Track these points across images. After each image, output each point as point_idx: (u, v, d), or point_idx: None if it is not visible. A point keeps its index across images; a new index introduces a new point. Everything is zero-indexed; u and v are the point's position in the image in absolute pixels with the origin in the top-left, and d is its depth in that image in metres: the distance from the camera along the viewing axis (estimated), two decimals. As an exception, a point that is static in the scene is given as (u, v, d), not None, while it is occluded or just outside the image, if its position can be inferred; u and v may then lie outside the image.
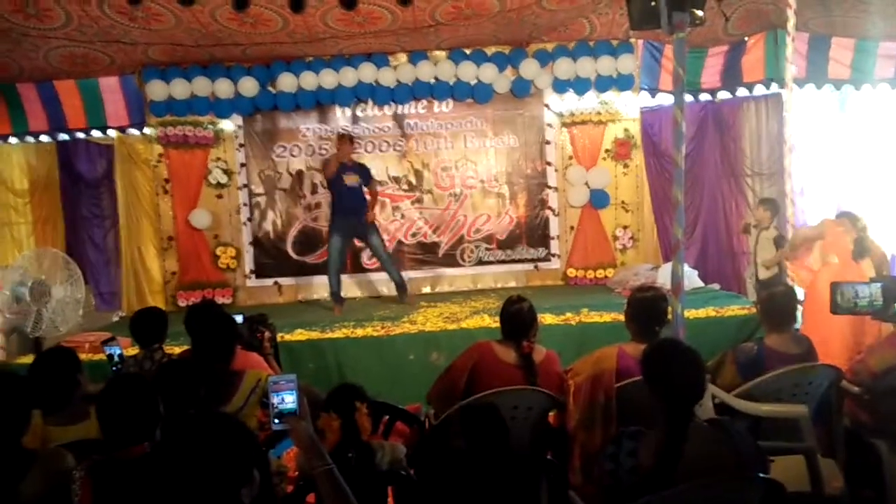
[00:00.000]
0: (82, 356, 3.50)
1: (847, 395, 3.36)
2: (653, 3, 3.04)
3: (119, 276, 7.86)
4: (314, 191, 7.80)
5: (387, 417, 3.53)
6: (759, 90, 7.24)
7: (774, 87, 6.97)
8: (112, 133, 7.74)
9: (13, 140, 7.50)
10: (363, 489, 2.29)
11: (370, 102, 7.71)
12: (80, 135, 7.68)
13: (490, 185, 7.92)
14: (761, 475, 2.21)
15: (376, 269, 7.63)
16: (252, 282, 7.85)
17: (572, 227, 7.89)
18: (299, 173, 7.81)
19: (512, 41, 7.51)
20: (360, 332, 5.86)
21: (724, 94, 7.59)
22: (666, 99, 7.72)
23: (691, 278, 6.85)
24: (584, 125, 7.78)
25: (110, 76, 7.38)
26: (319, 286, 7.71)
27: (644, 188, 7.86)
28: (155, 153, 7.64)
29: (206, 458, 1.76)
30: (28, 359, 5.54)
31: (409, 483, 2.67)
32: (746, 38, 7.06)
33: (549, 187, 7.90)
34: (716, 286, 7.16)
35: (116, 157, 7.75)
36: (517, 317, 3.50)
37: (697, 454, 2.17)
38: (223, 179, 7.72)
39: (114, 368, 3.86)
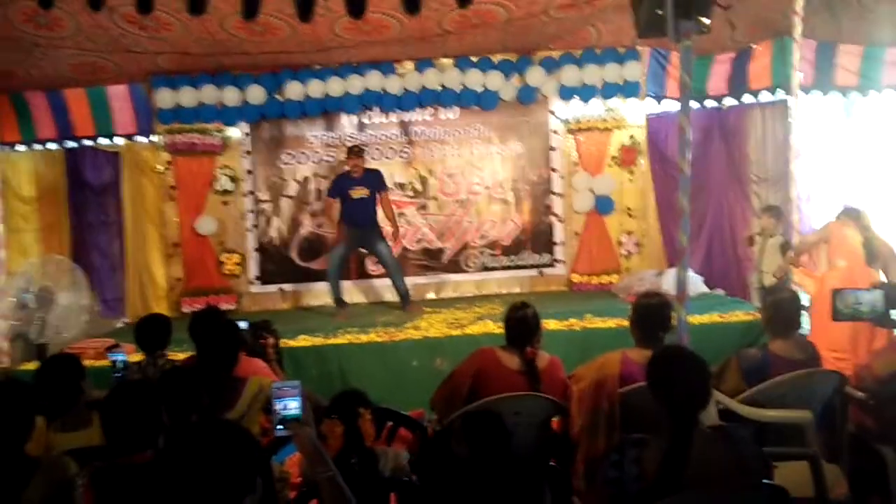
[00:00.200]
0: (86, 363, 3.52)
1: (852, 400, 3.34)
2: (659, 12, 3.04)
3: (124, 283, 7.88)
4: (320, 198, 7.81)
5: (390, 423, 3.53)
6: (766, 97, 7.22)
7: (781, 94, 6.95)
8: (119, 140, 7.77)
9: (21, 147, 7.53)
10: (366, 495, 2.29)
11: (376, 110, 7.73)
12: (88, 142, 7.71)
13: (495, 191, 7.92)
14: (765, 481, 2.20)
15: (380, 276, 7.64)
16: (256, 288, 7.87)
17: (577, 234, 7.88)
18: (305, 180, 7.83)
19: (518, 49, 7.52)
20: (363, 337, 5.87)
21: (730, 101, 7.56)
22: (672, 106, 7.73)
23: (696, 284, 6.83)
24: (589, 132, 7.78)
25: (119, 84, 7.42)
26: (323, 293, 7.72)
27: (649, 194, 7.85)
28: (162, 160, 7.68)
29: (209, 465, 1.76)
30: (32, 365, 5.57)
31: (412, 489, 2.67)
32: (753, 46, 7.04)
33: (554, 193, 7.89)
34: (720, 292, 7.14)
35: (123, 165, 7.78)
36: (521, 323, 3.50)
37: (702, 461, 2.16)
38: (229, 186, 7.75)
39: (117, 375, 3.87)
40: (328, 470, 2.13)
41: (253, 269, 7.85)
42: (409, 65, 7.56)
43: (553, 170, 7.88)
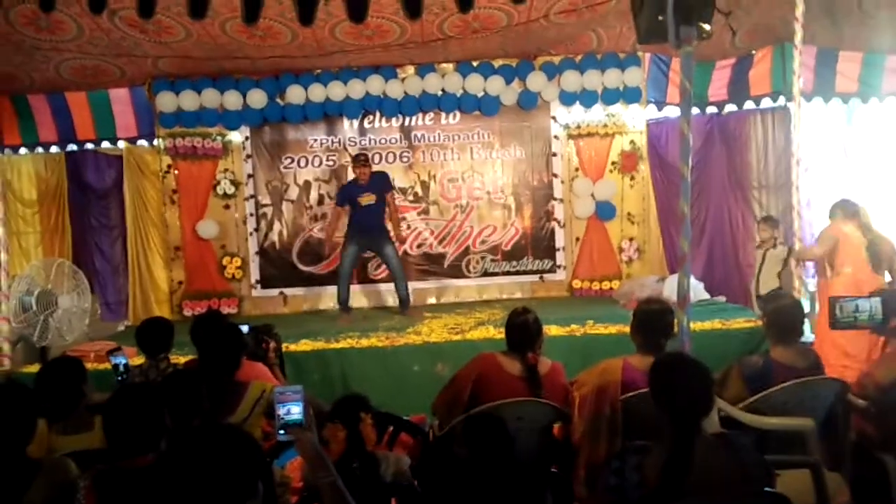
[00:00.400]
0: (88, 366, 3.51)
1: (853, 408, 3.33)
2: (660, 18, 3.04)
3: (125, 286, 7.89)
4: (321, 202, 7.83)
5: (391, 428, 3.53)
6: (766, 103, 7.25)
7: (781, 101, 6.97)
8: (121, 144, 7.79)
9: (23, 150, 7.55)
10: (367, 500, 2.29)
11: (378, 114, 7.75)
12: (90, 146, 7.73)
13: (496, 196, 7.93)
14: (767, 489, 2.20)
15: (382, 280, 7.65)
16: (258, 292, 7.87)
17: (578, 239, 7.89)
18: (306, 184, 7.84)
19: (519, 54, 7.54)
20: (364, 342, 5.87)
21: (730, 107, 7.58)
22: (672, 111, 7.74)
23: (697, 290, 6.83)
24: (590, 137, 7.79)
25: (120, 88, 7.44)
26: (325, 297, 7.75)
27: (650, 200, 7.86)
28: (163, 164, 7.69)
29: (211, 469, 1.75)
30: (34, 368, 5.56)
31: (413, 494, 2.67)
32: (754, 52, 7.06)
33: (555, 199, 7.90)
34: (722, 298, 7.14)
35: (125, 168, 7.78)
36: (522, 328, 3.49)
37: (704, 468, 2.15)
38: (231, 190, 7.76)
39: (119, 378, 3.87)
40: (330, 475, 2.13)
41: (254, 273, 7.85)
42: (411, 69, 7.57)
43: (554, 175, 7.89)
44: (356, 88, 7.46)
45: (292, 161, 7.82)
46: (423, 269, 7.87)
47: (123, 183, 7.80)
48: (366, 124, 7.82)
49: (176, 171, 7.69)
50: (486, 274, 7.93)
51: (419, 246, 7.88)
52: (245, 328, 3.90)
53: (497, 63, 7.59)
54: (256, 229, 7.84)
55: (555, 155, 7.87)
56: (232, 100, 7.45)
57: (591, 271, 7.80)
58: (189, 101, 7.42)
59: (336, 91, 7.45)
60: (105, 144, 7.77)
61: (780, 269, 6.38)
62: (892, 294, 3.59)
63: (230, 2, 5.22)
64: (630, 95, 7.63)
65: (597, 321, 5.96)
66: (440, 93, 7.60)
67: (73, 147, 7.68)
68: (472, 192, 7.91)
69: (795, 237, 5.94)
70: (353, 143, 7.80)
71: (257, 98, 7.47)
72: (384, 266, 7.35)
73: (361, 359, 5.73)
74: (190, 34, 6.11)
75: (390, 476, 2.69)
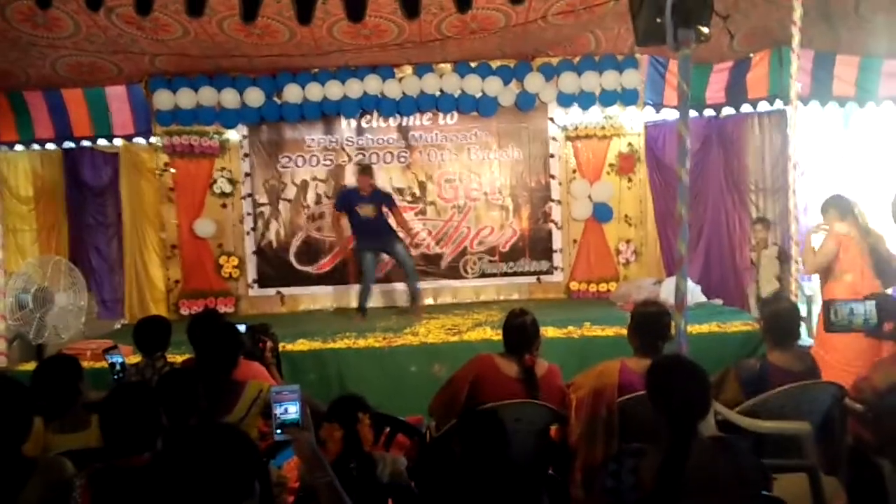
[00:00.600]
0: (84, 364, 3.50)
1: (850, 412, 3.33)
2: (658, 20, 3.04)
3: (122, 284, 7.87)
4: (318, 201, 7.82)
5: (388, 429, 3.52)
6: (764, 107, 7.26)
7: (779, 104, 6.98)
8: (118, 142, 7.77)
9: (19, 147, 7.52)
10: (364, 500, 2.29)
11: (375, 114, 7.74)
12: (86, 143, 7.71)
13: (493, 197, 7.93)
14: (764, 493, 2.20)
15: (381, 281, 7.65)
16: (254, 291, 7.86)
17: (575, 241, 7.89)
18: (304, 184, 7.83)
19: (517, 55, 7.54)
20: (362, 342, 5.86)
21: (728, 110, 7.60)
22: (670, 114, 7.75)
23: (694, 293, 6.84)
24: (588, 139, 7.80)
25: (117, 85, 7.42)
26: (322, 296, 7.76)
27: (647, 202, 7.87)
28: (160, 162, 7.67)
29: (207, 469, 1.75)
30: (30, 366, 5.55)
31: (409, 495, 2.67)
32: (751, 55, 7.07)
33: (553, 200, 7.91)
34: (718, 301, 7.15)
35: (122, 166, 7.77)
36: (520, 330, 3.50)
37: (700, 471, 2.15)
38: (227, 189, 7.75)
39: (115, 377, 3.86)
40: (326, 475, 2.13)
41: (251, 272, 7.84)
42: (408, 69, 7.57)
43: (552, 176, 7.89)
44: (354, 88, 7.46)
45: (290, 160, 7.82)
46: (420, 270, 7.85)
47: (120, 181, 7.78)
48: (363, 124, 7.82)
49: (173, 170, 7.67)
50: (483, 275, 7.93)
51: (416, 246, 7.87)
52: (242, 327, 3.89)
53: (495, 64, 7.59)
54: (254, 228, 7.83)
55: (552, 156, 7.88)
56: (229, 98, 7.44)
57: (589, 273, 7.81)
58: (186, 99, 7.41)
59: (334, 90, 7.44)
60: (102, 142, 7.75)
61: (777, 270, 6.39)
62: (886, 297, 3.60)
63: (228, 0, 5.21)
64: (628, 97, 7.64)
65: (594, 323, 5.96)
66: (438, 93, 7.60)
67: (69, 144, 7.66)
68: (469, 193, 7.92)
69: (792, 241, 5.95)
70: (350, 143, 7.80)
71: (255, 97, 7.46)
72: (391, 264, 7.42)
73: (358, 359, 5.72)
74: (187, 32, 6.10)
75: (387, 477, 2.69)
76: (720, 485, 2.15)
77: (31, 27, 5.72)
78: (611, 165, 7.81)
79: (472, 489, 2.50)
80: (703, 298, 7.07)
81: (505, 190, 7.93)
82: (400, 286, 7.60)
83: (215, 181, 7.73)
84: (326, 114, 7.65)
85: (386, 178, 7.75)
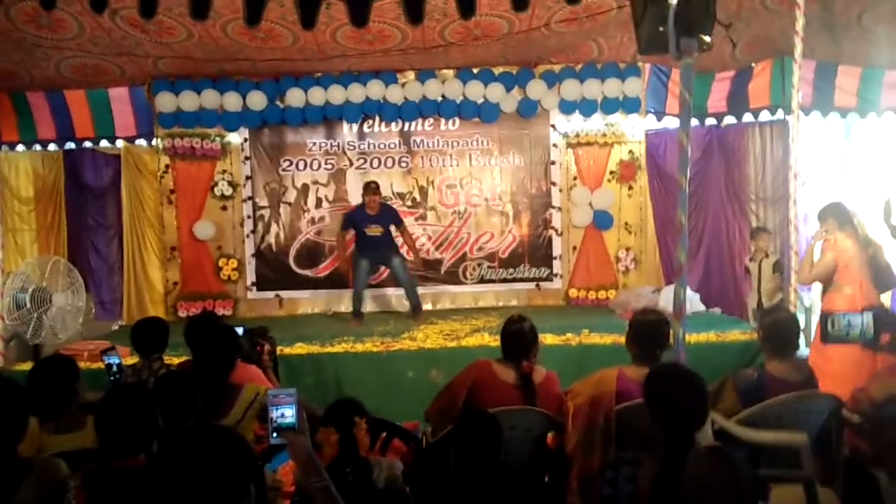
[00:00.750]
0: (81, 365, 3.48)
1: (847, 423, 3.33)
2: (661, 29, 3.04)
3: (120, 285, 7.87)
4: (319, 205, 7.83)
5: (384, 434, 3.51)
6: (765, 116, 7.26)
7: (780, 114, 6.98)
8: (119, 143, 7.78)
9: (21, 147, 7.53)
10: (359, 506, 2.28)
11: (377, 119, 7.76)
12: (88, 144, 7.72)
13: (494, 203, 7.94)
14: (760, 503, 2.20)
15: (377, 286, 7.65)
16: (253, 294, 7.86)
17: (575, 248, 7.90)
18: (304, 187, 7.83)
19: (520, 62, 7.56)
20: (359, 347, 5.86)
21: (729, 120, 7.60)
22: (671, 122, 7.76)
23: (693, 302, 6.84)
24: (589, 146, 7.82)
25: (120, 87, 7.43)
26: (320, 300, 7.76)
27: (647, 210, 7.88)
28: (161, 164, 7.68)
29: (203, 471, 1.75)
30: (27, 366, 5.55)
31: (404, 500, 2.66)
32: (753, 64, 7.08)
33: (553, 207, 7.92)
34: (717, 310, 7.15)
35: (123, 167, 7.78)
36: (518, 336, 3.49)
37: (697, 481, 2.15)
38: (228, 191, 7.76)
39: (112, 378, 3.85)
40: (322, 479, 2.12)
41: (250, 275, 7.85)
42: (411, 74, 7.59)
43: (552, 183, 7.90)
44: (356, 92, 7.47)
45: (291, 164, 7.83)
46: (419, 275, 7.85)
47: (121, 182, 7.80)
48: (365, 129, 7.83)
49: (174, 172, 7.68)
50: (482, 281, 7.94)
51: (417, 253, 7.87)
52: (240, 330, 3.89)
53: (497, 70, 7.60)
54: (253, 231, 7.83)
55: (553, 163, 7.89)
56: (231, 101, 7.46)
57: (588, 280, 7.81)
58: (188, 101, 7.43)
59: (336, 95, 7.46)
60: (103, 143, 7.76)
61: (777, 280, 6.39)
62: (883, 310, 3.60)
63: (232, 3, 5.21)
64: (629, 105, 7.65)
65: (592, 331, 5.96)
66: (440, 99, 7.61)
67: (71, 145, 7.66)
68: (470, 199, 7.92)
69: (792, 251, 5.94)
70: (352, 147, 7.81)
71: (257, 100, 7.47)
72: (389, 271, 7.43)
73: (356, 363, 5.72)
74: (191, 35, 6.11)
75: (382, 482, 2.67)
76: (716, 495, 2.14)
77: (36, 28, 5.74)
78: (612, 173, 7.82)
79: (467, 496, 2.49)
80: (702, 307, 7.08)
81: (505, 196, 7.94)
82: (393, 291, 7.64)
83: (216, 184, 7.74)
84: (328, 118, 7.66)
85: (387, 182, 7.75)
